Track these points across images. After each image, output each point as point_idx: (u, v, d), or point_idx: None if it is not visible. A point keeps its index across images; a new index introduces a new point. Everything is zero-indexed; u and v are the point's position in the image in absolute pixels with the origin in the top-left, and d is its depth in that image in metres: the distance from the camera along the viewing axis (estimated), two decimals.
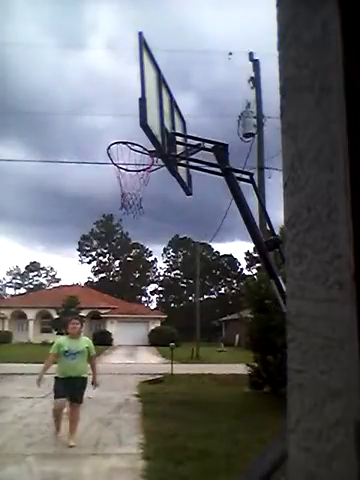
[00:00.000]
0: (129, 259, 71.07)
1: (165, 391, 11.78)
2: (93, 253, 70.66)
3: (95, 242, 70.50)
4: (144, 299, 71.55)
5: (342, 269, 0.68)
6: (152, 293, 72.29)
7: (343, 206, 0.68)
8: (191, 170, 7.35)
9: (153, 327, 44.07)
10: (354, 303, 0.65)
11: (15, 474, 5.19)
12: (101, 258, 70.84)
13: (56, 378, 6.68)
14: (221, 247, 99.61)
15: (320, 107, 0.75)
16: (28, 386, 11.83)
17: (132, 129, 7.12)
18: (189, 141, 7.10)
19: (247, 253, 65.14)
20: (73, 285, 56.53)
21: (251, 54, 15.50)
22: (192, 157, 6.94)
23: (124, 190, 6.89)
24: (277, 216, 6.72)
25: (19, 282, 73.87)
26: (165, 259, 71.44)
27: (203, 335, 35.61)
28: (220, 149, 6.59)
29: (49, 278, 75.09)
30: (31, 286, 71.77)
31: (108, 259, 71.20)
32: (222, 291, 69.73)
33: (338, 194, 0.70)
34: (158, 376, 15.26)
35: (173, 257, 71.25)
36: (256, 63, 15.42)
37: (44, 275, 75.31)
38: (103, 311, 45.20)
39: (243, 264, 69.14)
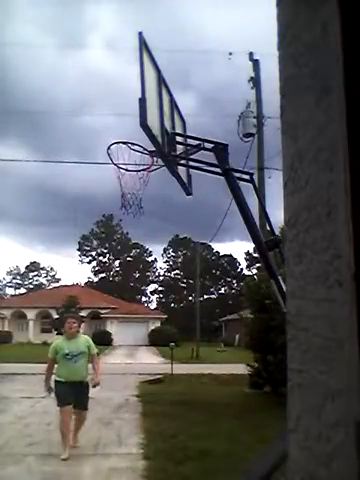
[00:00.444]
0: (129, 259, 71.05)
1: (165, 391, 11.77)
2: (93, 253, 70.63)
3: (95, 242, 70.47)
4: (144, 299, 71.59)
5: (342, 269, 0.68)
6: (152, 293, 72.33)
7: (343, 206, 0.68)
8: (191, 170, 7.35)
9: (153, 327, 44.04)
10: (354, 303, 0.65)
11: (15, 474, 5.20)
12: (101, 258, 70.81)
13: (58, 382, 6.12)
14: (221, 247, 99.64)
15: (320, 107, 0.75)
16: (28, 386, 11.87)
17: (132, 129, 7.14)
18: (189, 141, 7.10)
19: (247, 253, 65.16)
20: (73, 285, 56.49)
21: (251, 54, 15.48)
22: (192, 157, 6.94)
23: (124, 190, 6.90)
24: (277, 216, 6.74)
25: (19, 282, 73.89)
26: (165, 259, 71.49)
27: (203, 335, 35.60)
28: (220, 149, 6.59)
29: (49, 278, 75.13)
30: (31, 286, 71.74)
31: (108, 259, 71.17)
32: (222, 291, 69.70)
33: (338, 194, 0.70)
34: (158, 376, 15.25)
35: (173, 257, 71.22)
36: (256, 63, 15.40)
37: (44, 275, 75.36)
38: (103, 311, 45.18)
39: (243, 264, 69.19)
